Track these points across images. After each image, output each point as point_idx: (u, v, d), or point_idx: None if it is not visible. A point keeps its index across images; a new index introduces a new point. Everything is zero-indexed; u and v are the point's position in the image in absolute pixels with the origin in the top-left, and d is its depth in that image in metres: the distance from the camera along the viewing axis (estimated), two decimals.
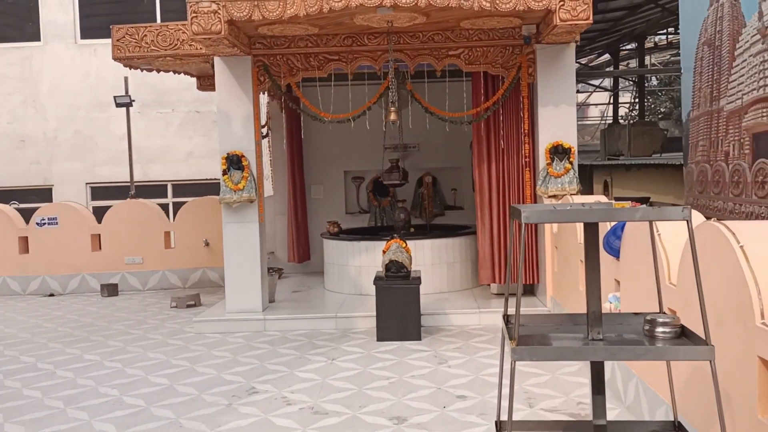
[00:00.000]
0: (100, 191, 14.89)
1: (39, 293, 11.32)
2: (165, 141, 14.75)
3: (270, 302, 8.68)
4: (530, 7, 6.81)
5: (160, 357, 6.98)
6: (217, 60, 8.07)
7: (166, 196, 14.99)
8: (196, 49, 8.23)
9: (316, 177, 11.46)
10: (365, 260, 9.09)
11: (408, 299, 7.20)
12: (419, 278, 7.34)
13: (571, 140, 7.84)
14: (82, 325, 8.72)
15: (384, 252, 7.62)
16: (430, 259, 8.94)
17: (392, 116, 7.44)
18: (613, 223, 5.10)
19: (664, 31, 19.53)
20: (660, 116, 28.94)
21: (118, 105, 11.66)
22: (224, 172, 8.07)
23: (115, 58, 8.28)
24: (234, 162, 8.05)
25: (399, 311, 7.20)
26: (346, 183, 11.61)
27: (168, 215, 13.92)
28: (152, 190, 14.81)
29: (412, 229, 9.94)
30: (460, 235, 9.22)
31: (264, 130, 11.08)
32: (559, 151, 7.79)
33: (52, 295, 11.26)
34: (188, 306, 9.63)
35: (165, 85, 14.40)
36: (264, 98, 11.21)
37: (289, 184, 11.00)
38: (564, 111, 7.86)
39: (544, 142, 7.85)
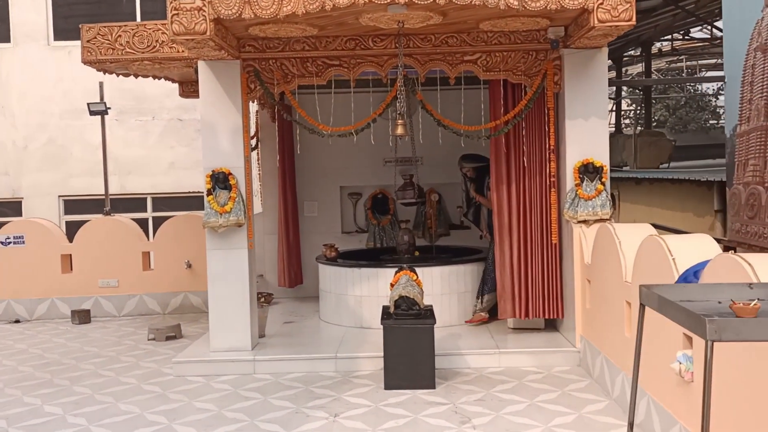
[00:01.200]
0: (74, 205, 13.83)
1: (3, 319, 10.27)
2: (144, 151, 13.72)
3: (260, 337, 7.70)
4: (564, 5, 5.90)
5: (133, 410, 5.97)
6: (201, 64, 7.10)
7: (145, 210, 13.95)
8: (178, 51, 7.25)
9: (310, 193, 10.49)
10: (367, 289, 8.14)
11: (421, 342, 6.25)
12: (433, 317, 6.39)
13: (602, 158, 6.94)
14: (46, 363, 7.69)
15: (392, 285, 6.67)
16: (440, 288, 8.00)
17: (399, 130, 6.49)
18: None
19: (669, 36, 18.80)
20: (654, 124, 28.29)
21: (92, 113, 10.64)
22: (209, 192, 7.09)
23: (85, 62, 7.28)
24: (220, 181, 7.08)
25: (410, 355, 6.25)
26: (343, 200, 10.65)
27: (147, 231, 12.91)
28: (130, 204, 13.78)
29: (417, 253, 8.99)
30: (471, 261, 8.28)
31: (253, 142, 10.12)
32: (589, 170, 6.88)
33: (18, 321, 10.22)
34: (168, 338, 8.63)
35: (145, 91, 13.39)
36: (253, 107, 10.24)
37: (280, 201, 10.03)
38: (595, 125, 6.96)
39: (572, 160, 6.94)
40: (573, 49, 6.84)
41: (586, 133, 6.95)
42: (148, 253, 10.55)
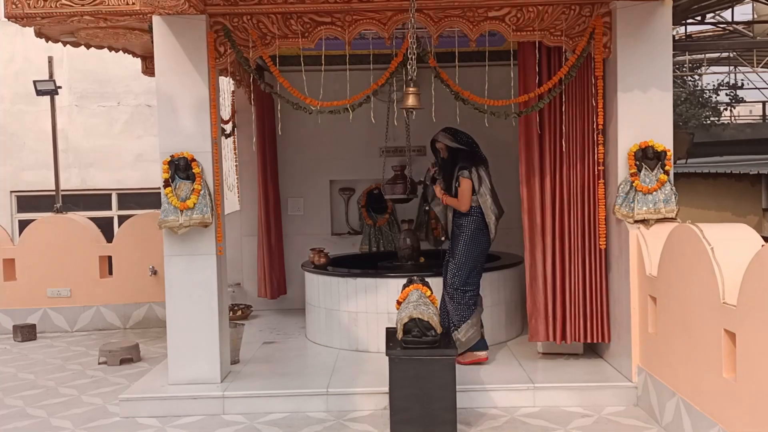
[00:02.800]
0: (28, 201, 12.24)
1: None
2: (109, 141, 12.15)
3: (232, 363, 6.21)
4: None
5: None
6: (156, 21, 5.61)
7: (109, 208, 12.39)
8: (127, 3, 5.72)
9: (295, 188, 8.98)
10: (363, 304, 6.66)
11: (439, 377, 4.78)
12: (454, 345, 4.92)
13: (665, 140, 5.50)
14: None
15: (399, 303, 5.19)
16: None
17: (410, 100, 5.02)
18: None
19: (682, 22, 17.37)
20: None
21: (39, 92, 9.09)
22: (166, 184, 5.59)
23: (8, 16, 5.73)
24: (180, 168, 5.58)
25: (424, 394, 4.78)
26: (333, 196, 9.14)
27: (112, 232, 11.34)
28: (92, 201, 12.24)
29: (422, 259, 7.53)
30: (490, 270, 6.81)
31: (228, 127, 8.63)
32: (648, 156, 5.44)
33: None
34: (123, 362, 7.11)
35: (109, 73, 11.85)
36: (228, 85, 8.73)
37: (260, 197, 8.52)
38: (655, 98, 5.52)
39: (625, 144, 5.50)
40: (628, 1, 5.40)
41: (645, 109, 5.51)
42: (107, 257, 9.01)
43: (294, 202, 8.99)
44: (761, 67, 24.67)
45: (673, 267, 4.72)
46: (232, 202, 8.98)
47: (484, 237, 6.12)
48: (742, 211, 10.18)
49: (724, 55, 24.57)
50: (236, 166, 8.96)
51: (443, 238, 8.37)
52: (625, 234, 5.47)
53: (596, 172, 5.71)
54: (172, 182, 5.57)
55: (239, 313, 8.35)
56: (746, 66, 25.67)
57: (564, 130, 5.74)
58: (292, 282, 8.67)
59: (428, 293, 5.13)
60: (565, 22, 5.58)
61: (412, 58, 5.02)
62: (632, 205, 5.41)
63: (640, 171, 5.44)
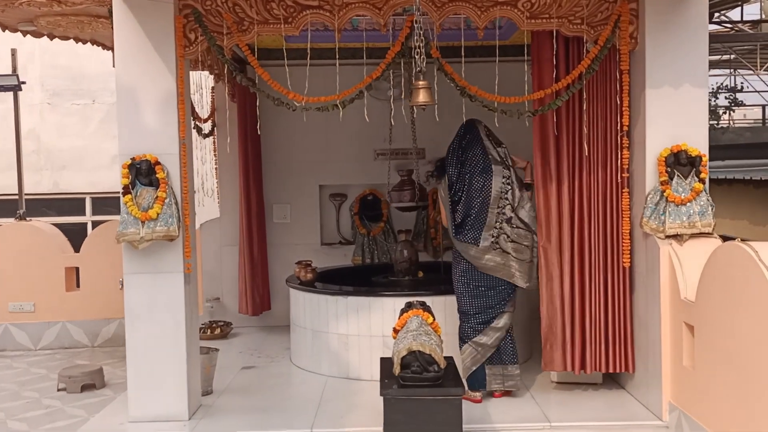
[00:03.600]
0: None
1: None
2: (83, 141, 11.36)
3: (204, 395, 5.47)
4: None
5: None
6: (116, 4, 4.88)
7: (83, 213, 11.60)
8: None
9: (281, 193, 8.23)
10: (355, 326, 5.92)
11: (443, 421, 4.05)
12: (461, 383, 4.19)
13: (700, 144, 4.81)
14: None
15: (396, 331, 4.46)
16: (453, 324, 5.78)
17: (421, 96, 4.31)
18: None
19: None
20: None
21: (1, 88, 8.33)
22: (125, 190, 4.85)
23: None
24: (142, 173, 4.84)
25: None
26: (323, 202, 8.39)
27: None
28: (65, 205, 11.45)
29: (420, 273, 6.80)
30: None
31: (206, 127, 7.88)
32: (681, 162, 4.74)
33: None
34: (84, 388, 6.35)
35: (83, 69, 11.08)
36: (208, 80, 7.99)
37: (242, 203, 7.76)
38: (689, 96, 4.83)
39: (655, 147, 4.81)
40: None
41: (677, 108, 4.82)
42: (74, 269, 8.25)
43: (279, 208, 8.23)
44: (764, 70, 24.10)
45: (717, 292, 4.01)
46: (211, 209, 8.24)
47: (472, 272, 5.26)
48: (761, 219, 9.51)
49: (725, 57, 24.01)
50: (216, 169, 8.21)
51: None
52: (654, 250, 4.76)
53: (620, 180, 5.00)
54: (133, 189, 4.83)
55: (218, 331, 7.60)
56: (748, 69, 25.10)
57: (584, 132, 5.02)
58: (276, 297, 7.91)
59: (430, 320, 4.40)
60: (586, 9, 4.87)
61: (419, 46, 4.30)
62: (663, 217, 4.70)
63: (671, 179, 4.73)
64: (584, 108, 4.97)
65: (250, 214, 7.76)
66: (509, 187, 5.15)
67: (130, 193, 4.82)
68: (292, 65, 5.43)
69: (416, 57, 4.28)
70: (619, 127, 4.96)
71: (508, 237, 5.15)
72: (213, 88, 8.06)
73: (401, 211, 7.19)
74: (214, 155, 8.22)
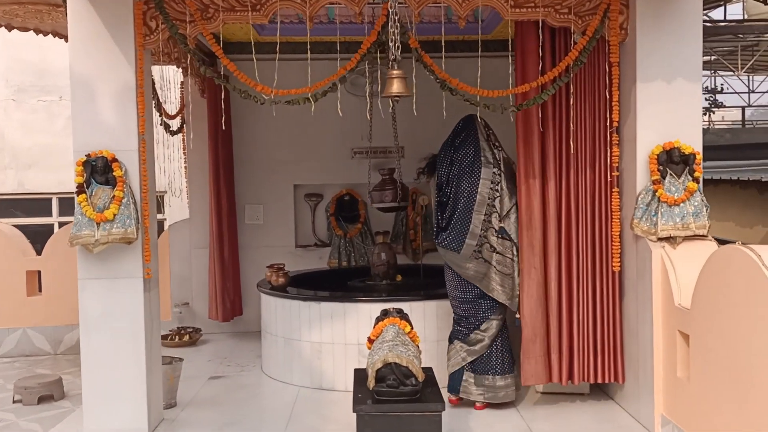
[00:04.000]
0: None
1: None
2: (50, 139, 10.92)
3: (168, 408, 5.12)
4: None
5: None
6: None
7: (50, 214, 11.16)
8: None
9: (253, 193, 7.88)
10: (329, 333, 5.59)
11: None
12: (441, 398, 3.88)
13: (694, 141, 4.55)
14: None
15: (371, 341, 4.14)
16: (435, 331, 5.49)
17: (395, 86, 4.02)
18: None
19: None
20: None
21: None
22: (80, 189, 4.49)
23: None
24: (98, 170, 4.49)
25: None
26: (297, 202, 8.06)
27: None
28: (31, 206, 11.00)
29: (399, 277, 6.49)
30: None
31: (176, 123, 7.52)
32: (674, 160, 4.48)
33: None
34: (41, 400, 5.96)
35: (49, 64, 10.64)
36: (176, 74, 7.63)
37: (212, 203, 7.41)
38: (683, 90, 4.57)
39: (646, 144, 4.54)
40: None
41: (670, 104, 4.56)
42: (36, 272, 7.83)
43: (252, 209, 7.88)
44: (744, 72, 24.08)
45: (715, 299, 3.74)
46: (181, 209, 7.88)
47: (451, 274, 5.06)
48: (748, 221, 9.32)
49: (706, 58, 23.97)
50: (185, 168, 7.85)
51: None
52: (645, 254, 4.49)
53: (610, 179, 4.73)
54: (88, 188, 4.48)
55: (186, 337, 7.24)
56: (729, 70, 25.07)
57: (571, 128, 4.74)
58: (248, 302, 7.56)
59: (407, 329, 4.09)
60: None
61: (394, 32, 3.99)
62: (654, 218, 4.43)
63: (664, 178, 4.46)
64: (571, 103, 4.69)
65: (221, 215, 7.41)
66: (497, 194, 4.85)
67: (85, 192, 4.47)
68: (265, 59, 5.11)
69: (391, 44, 3.97)
70: (608, 123, 4.69)
71: (492, 247, 4.86)
72: (182, 83, 7.69)
73: (383, 212, 6.86)
74: (184, 153, 7.85)
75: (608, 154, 4.71)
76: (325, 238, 8.00)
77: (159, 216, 10.00)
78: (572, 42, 4.72)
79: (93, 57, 4.55)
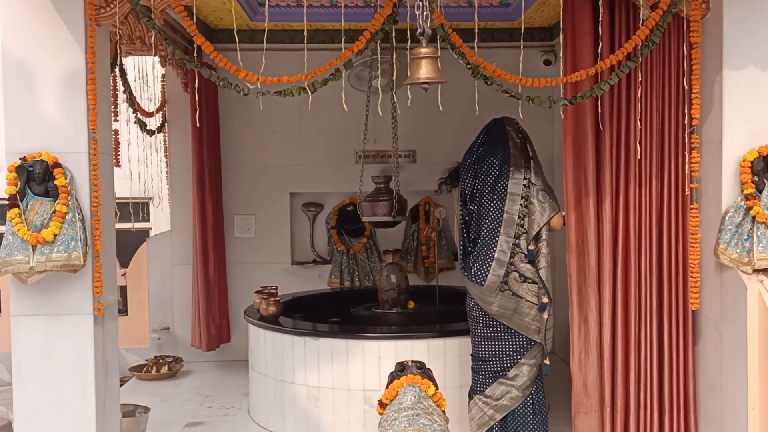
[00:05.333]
0: None
1: None
2: None
3: None
4: None
5: None
6: None
7: None
8: None
9: (243, 202, 6.90)
10: (328, 376, 4.61)
11: None
12: None
13: None
14: None
15: (383, 405, 3.15)
16: (457, 374, 4.51)
17: (423, 70, 3.04)
18: None
19: None
20: None
21: None
22: (12, 202, 3.53)
23: None
24: (36, 178, 3.53)
25: None
26: (294, 213, 7.08)
27: None
28: None
29: (411, 304, 5.52)
30: None
31: (152, 122, 6.58)
32: None
33: None
34: None
35: None
36: (154, 65, 6.66)
37: (196, 214, 6.41)
38: None
39: (734, 148, 3.57)
40: None
41: (766, 98, 3.57)
42: None
43: (242, 220, 6.90)
44: None
45: None
46: (160, 220, 6.91)
47: (472, 304, 4.10)
48: None
49: None
50: (167, 172, 6.88)
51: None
52: (735, 289, 3.51)
53: (686, 192, 3.75)
54: (22, 200, 3.52)
55: (165, 368, 6.27)
56: None
57: (640, 126, 3.75)
58: (237, 327, 6.57)
59: (431, 391, 3.11)
60: None
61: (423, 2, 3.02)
62: (748, 244, 3.47)
63: (760, 191, 3.50)
64: (638, 95, 3.71)
65: (206, 227, 6.41)
66: (526, 210, 3.89)
67: (18, 205, 3.51)
68: (257, 49, 4.13)
69: (417, 12, 3.00)
70: (684, 122, 3.71)
71: (522, 276, 3.89)
72: (164, 75, 6.73)
73: (374, 227, 5.85)
74: (165, 156, 6.89)
75: (683, 161, 3.73)
76: (325, 254, 7.02)
77: (145, 224, 9.05)
78: (637, 20, 3.74)
79: (32, 35, 3.60)
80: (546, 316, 3.88)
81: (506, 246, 3.85)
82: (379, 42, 3.52)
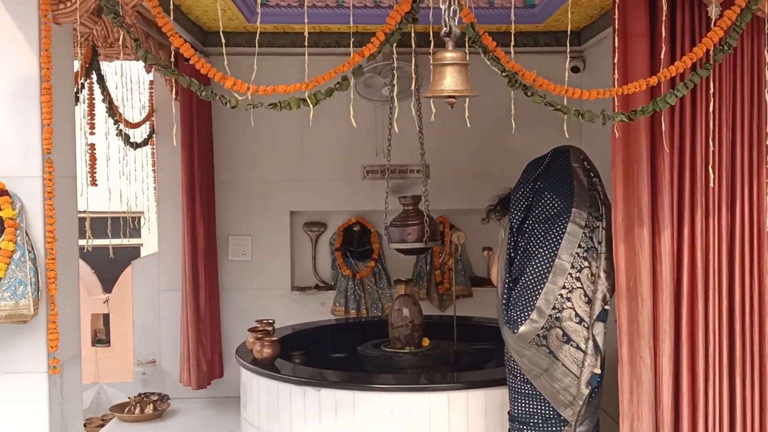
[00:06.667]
0: None
1: None
2: None
3: None
4: None
5: None
6: None
7: None
8: None
9: (239, 222, 6.28)
10: (332, 428, 3.98)
11: None
12: None
13: None
14: None
15: None
16: None
17: (449, 80, 2.49)
18: None
19: None
20: None
21: None
22: None
23: None
24: None
25: None
26: (295, 234, 6.46)
27: None
28: None
29: (426, 342, 4.89)
30: None
31: (140, 133, 5.97)
32: None
33: None
34: None
35: None
36: (141, 72, 6.06)
37: (186, 234, 5.78)
38: None
39: None
40: None
41: None
42: None
43: (237, 241, 6.27)
44: None
45: None
46: (147, 242, 6.29)
47: (510, 354, 3.47)
48: None
49: None
50: (155, 188, 6.27)
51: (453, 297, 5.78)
52: None
53: (763, 226, 3.11)
54: None
55: (150, 408, 5.65)
56: None
57: (711, 148, 3.11)
58: (231, 360, 5.86)
59: None
60: None
61: None
62: None
63: None
64: (710, 109, 3.07)
65: (196, 249, 5.77)
66: (586, 263, 3.27)
67: None
68: (254, 54, 3.50)
69: (443, 7, 2.38)
70: (764, 141, 3.07)
71: (566, 336, 3.26)
72: (152, 82, 6.12)
73: (405, 254, 5.22)
74: (153, 171, 6.28)
75: (758, 187, 3.10)
76: (328, 279, 6.40)
77: (136, 241, 8.44)
78: (702, 20, 3.11)
79: None
80: (586, 390, 3.24)
81: (552, 297, 3.23)
82: (395, 45, 2.90)
